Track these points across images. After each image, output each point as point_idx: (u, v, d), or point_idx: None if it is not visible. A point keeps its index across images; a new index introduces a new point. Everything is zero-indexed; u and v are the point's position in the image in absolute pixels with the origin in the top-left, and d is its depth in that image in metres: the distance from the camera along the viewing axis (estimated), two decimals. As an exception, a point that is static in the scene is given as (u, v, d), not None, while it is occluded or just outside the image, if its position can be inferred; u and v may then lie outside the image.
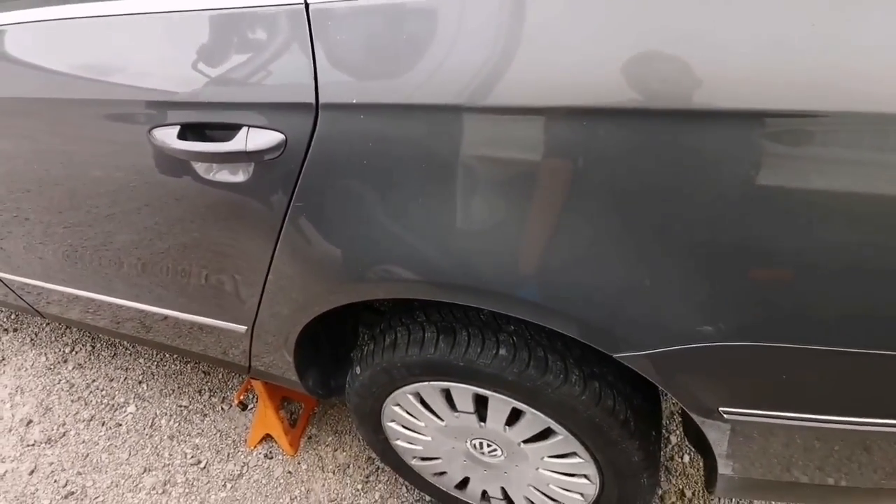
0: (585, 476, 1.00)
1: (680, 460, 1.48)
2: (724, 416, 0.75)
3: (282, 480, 1.44)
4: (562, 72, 0.58)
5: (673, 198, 0.60)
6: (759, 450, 0.80)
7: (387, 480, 1.43)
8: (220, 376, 1.71)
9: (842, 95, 0.51)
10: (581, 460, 0.96)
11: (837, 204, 0.56)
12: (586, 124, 0.60)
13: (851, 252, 0.58)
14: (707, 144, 0.56)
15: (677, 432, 1.53)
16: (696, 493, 1.40)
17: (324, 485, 1.43)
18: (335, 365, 1.25)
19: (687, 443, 1.43)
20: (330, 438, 1.53)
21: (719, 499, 1.39)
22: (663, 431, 1.54)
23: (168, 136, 0.77)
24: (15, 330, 1.88)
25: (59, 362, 1.76)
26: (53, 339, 1.84)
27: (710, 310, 0.65)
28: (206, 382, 1.69)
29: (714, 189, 0.58)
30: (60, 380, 1.71)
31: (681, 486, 1.42)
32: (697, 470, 1.45)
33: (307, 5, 0.67)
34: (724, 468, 0.85)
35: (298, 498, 1.41)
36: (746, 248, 0.60)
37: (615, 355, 0.73)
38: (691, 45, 0.54)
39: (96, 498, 1.42)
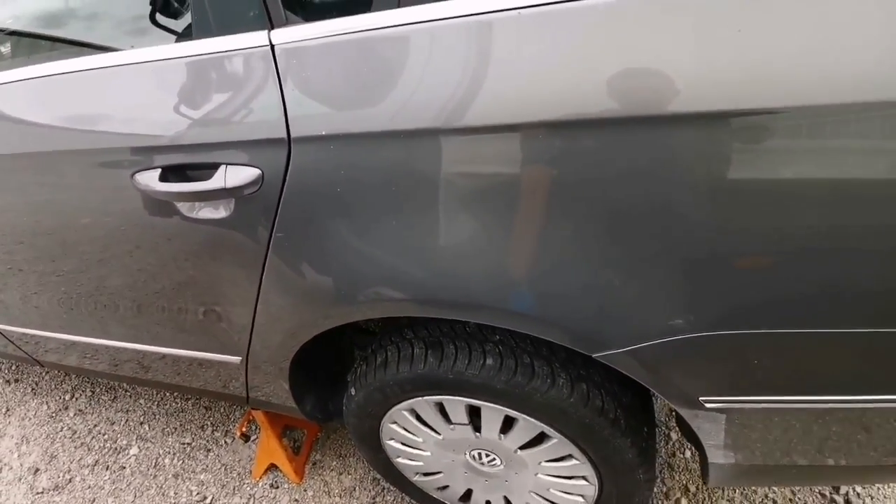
0: (583, 477, 1.01)
1: (682, 456, 1.49)
2: (705, 405, 0.77)
3: (289, 509, 1.45)
4: (533, 88, 0.62)
5: (641, 200, 0.63)
6: (743, 436, 0.82)
7: (392, 500, 1.43)
8: (222, 410, 1.72)
9: (784, 92, 0.55)
10: (577, 462, 0.98)
11: (801, 192, 0.59)
12: (557, 137, 0.63)
13: (818, 236, 0.60)
14: (669, 147, 0.60)
15: (677, 429, 1.54)
16: (700, 487, 1.41)
17: (331, 510, 1.44)
18: (332, 389, 1.27)
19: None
20: (334, 463, 1.54)
21: (724, 490, 1.40)
22: (664, 429, 1.55)
23: (150, 180, 0.80)
24: (16, 381, 1.89)
25: (60, 410, 1.77)
26: (53, 387, 1.85)
27: (678, 303, 0.68)
28: (208, 417, 1.70)
29: (679, 188, 0.61)
30: (63, 427, 1.72)
31: (684, 482, 1.43)
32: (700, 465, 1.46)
33: (272, 46, 0.71)
34: (713, 458, 0.87)
35: (307, 525, 1.41)
36: (713, 241, 0.63)
37: (594, 355, 0.76)
38: (649, 58, 0.58)
39: (105, 542, 1.42)
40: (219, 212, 0.82)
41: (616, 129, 0.61)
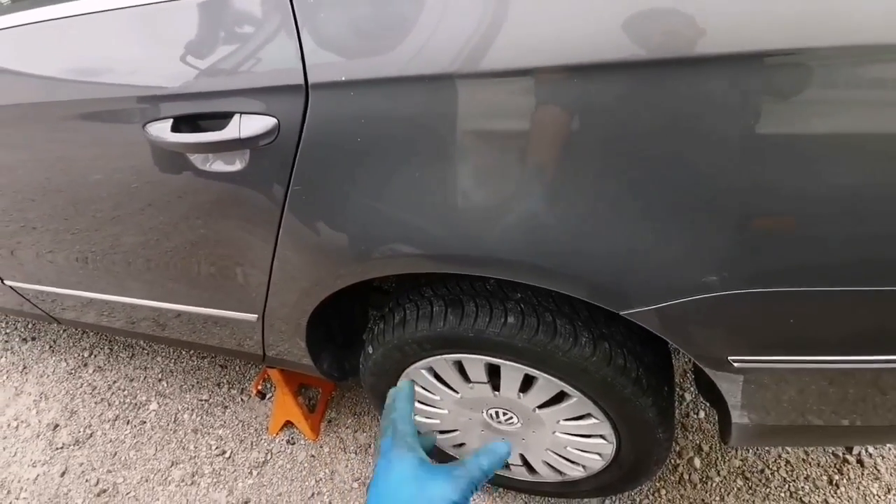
0: (602, 436, 1.01)
1: (696, 416, 1.49)
2: (735, 364, 0.75)
3: (306, 464, 1.47)
4: (555, 30, 0.58)
5: (670, 149, 0.60)
6: (770, 396, 0.80)
7: (408, 457, 1.45)
8: (238, 368, 1.74)
9: (826, 30, 0.51)
10: (596, 421, 0.97)
11: (834, 143, 0.56)
12: (580, 82, 0.59)
13: (850, 191, 0.57)
14: (700, 93, 0.56)
15: (691, 389, 1.54)
16: (714, 446, 1.42)
17: (347, 465, 1.46)
18: (348, 347, 1.27)
19: (702, 399, 1.44)
20: (350, 420, 1.56)
21: (737, 450, 1.41)
22: (678, 389, 1.55)
23: (162, 131, 0.77)
24: (34, 339, 1.91)
25: (79, 366, 1.80)
26: (71, 344, 1.87)
27: (713, 260, 0.65)
28: (224, 375, 1.72)
29: (710, 137, 0.58)
30: (82, 383, 1.74)
31: (698, 442, 1.43)
32: (713, 425, 1.47)
33: (288, -15, 0.66)
34: (737, 418, 0.86)
35: (323, 480, 1.44)
36: (746, 195, 0.60)
37: (622, 313, 0.74)
38: None
39: (128, 493, 1.46)
40: (233, 164, 0.79)
41: (648, 72, 0.57)
